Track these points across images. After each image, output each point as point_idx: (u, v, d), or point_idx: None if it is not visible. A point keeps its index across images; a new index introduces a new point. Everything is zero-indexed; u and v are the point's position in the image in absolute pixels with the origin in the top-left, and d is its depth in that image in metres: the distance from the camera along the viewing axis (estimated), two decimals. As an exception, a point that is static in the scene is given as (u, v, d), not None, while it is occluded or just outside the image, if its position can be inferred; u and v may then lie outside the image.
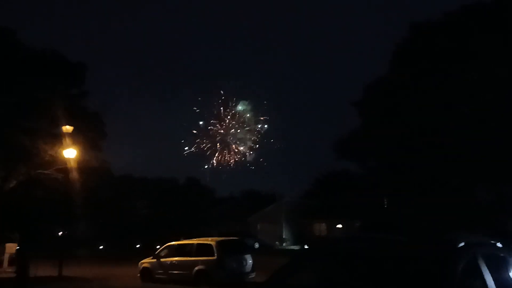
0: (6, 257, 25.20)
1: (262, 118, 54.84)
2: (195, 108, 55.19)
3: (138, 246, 52.75)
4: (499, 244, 5.23)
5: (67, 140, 21.81)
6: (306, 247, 44.61)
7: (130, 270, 23.04)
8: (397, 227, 23.34)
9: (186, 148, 55.30)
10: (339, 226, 45.96)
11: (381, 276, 4.09)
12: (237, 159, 54.69)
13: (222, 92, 55.33)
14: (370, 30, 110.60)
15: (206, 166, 56.52)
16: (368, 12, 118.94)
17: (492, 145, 18.81)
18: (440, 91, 20.37)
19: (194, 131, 55.84)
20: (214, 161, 55.05)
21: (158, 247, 41.90)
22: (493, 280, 4.19)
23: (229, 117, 55.55)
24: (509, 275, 4.76)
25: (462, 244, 4.22)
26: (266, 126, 55.76)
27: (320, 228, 47.48)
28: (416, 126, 21.31)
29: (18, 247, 15.36)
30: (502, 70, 18.50)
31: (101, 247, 52.09)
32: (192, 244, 18.53)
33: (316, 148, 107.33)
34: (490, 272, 4.22)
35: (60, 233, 50.84)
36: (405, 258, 4.14)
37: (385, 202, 36.20)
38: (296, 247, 45.74)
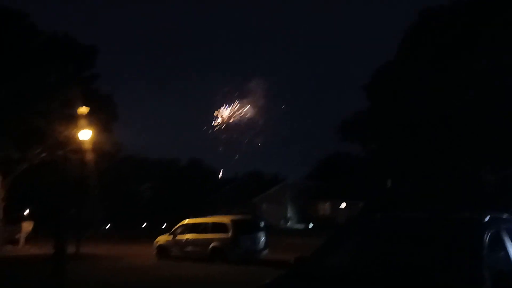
0: (22, 236, 26.00)
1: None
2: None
3: (143, 226, 53.62)
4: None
5: (82, 122, 22.27)
6: (310, 225, 45.71)
7: (142, 248, 23.78)
8: (401, 208, 24.03)
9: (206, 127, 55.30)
10: (342, 206, 46.83)
11: (417, 249, 4.65)
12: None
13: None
14: (379, 15, 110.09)
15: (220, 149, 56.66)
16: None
17: (498, 129, 19.34)
18: (448, 76, 20.80)
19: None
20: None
21: (163, 227, 42.80)
22: (514, 250, 4.79)
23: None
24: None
25: (487, 219, 4.80)
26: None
27: (324, 208, 48.45)
28: (423, 110, 21.81)
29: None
30: (510, 57, 18.91)
31: (107, 227, 52.98)
32: (207, 222, 19.19)
33: (319, 131, 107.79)
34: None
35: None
36: (439, 232, 4.71)
37: (388, 183, 36.88)
38: (300, 226, 46.71)
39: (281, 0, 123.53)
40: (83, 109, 22.15)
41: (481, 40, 19.82)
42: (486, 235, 4.48)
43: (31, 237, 26.74)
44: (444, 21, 21.49)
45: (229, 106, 54.14)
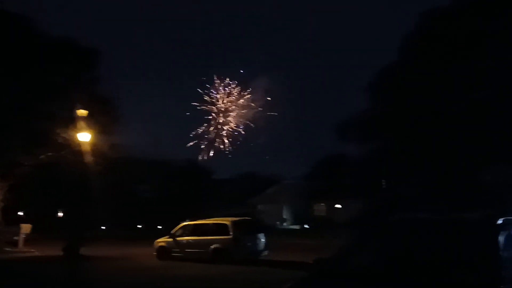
0: (21, 237, 25.96)
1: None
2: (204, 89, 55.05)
3: (139, 227, 53.59)
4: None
5: (82, 124, 22.35)
6: (306, 226, 45.93)
7: (141, 249, 23.87)
8: (398, 208, 24.23)
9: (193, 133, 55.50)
10: (338, 206, 47.08)
11: (436, 250, 4.83)
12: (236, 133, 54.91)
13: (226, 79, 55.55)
14: (381, 16, 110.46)
15: (211, 153, 56.84)
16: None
17: (498, 129, 19.61)
18: (451, 77, 21.05)
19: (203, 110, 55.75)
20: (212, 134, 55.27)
21: (161, 228, 42.69)
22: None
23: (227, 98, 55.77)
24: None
25: (501, 221, 4.99)
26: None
27: (320, 208, 48.71)
28: (425, 110, 22.06)
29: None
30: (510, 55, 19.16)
31: (103, 228, 52.90)
32: (208, 223, 19.41)
33: (316, 131, 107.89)
34: (523, 246, 5.02)
35: (61, 214, 51.75)
36: (456, 233, 4.90)
37: (383, 184, 37.14)
38: (296, 227, 46.91)
39: (287, 1, 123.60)
40: (82, 112, 22.22)
41: (485, 40, 20.08)
42: (501, 236, 4.66)
43: (30, 239, 26.70)
44: (447, 22, 21.73)
45: (224, 106, 54.16)
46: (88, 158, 23.24)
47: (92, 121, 23.32)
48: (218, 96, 54.15)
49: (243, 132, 54.88)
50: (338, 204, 47.28)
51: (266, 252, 18.60)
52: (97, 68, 26.44)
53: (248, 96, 54.52)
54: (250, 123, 54.75)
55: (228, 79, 54.62)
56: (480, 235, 4.77)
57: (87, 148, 22.95)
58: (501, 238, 4.66)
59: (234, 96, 55.13)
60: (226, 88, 55.46)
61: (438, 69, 21.68)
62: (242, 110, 54.89)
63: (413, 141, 23.45)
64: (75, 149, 23.98)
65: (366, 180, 37.78)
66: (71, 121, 23.25)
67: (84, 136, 22.36)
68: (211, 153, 57.47)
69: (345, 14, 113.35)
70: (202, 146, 56.31)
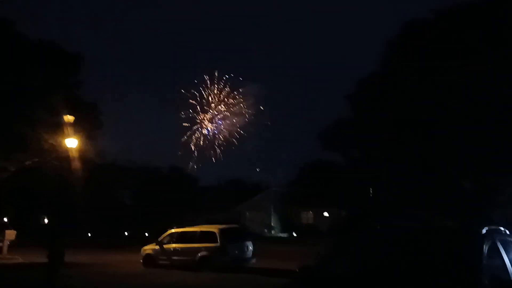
0: (5, 244, 25.55)
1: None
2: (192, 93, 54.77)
3: (126, 234, 53.15)
4: (507, 231, 6.15)
5: (68, 130, 22.18)
6: (294, 234, 45.96)
7: (127, 256, 23.68)
8: (385, 216, 24.48)
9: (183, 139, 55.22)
10: (326, 214, 47.23)
11: (419, 258, 4.90)
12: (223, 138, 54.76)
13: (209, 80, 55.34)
14: (363, 26, 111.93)
15: (193, 161, 56.65)
16: (361, 8, 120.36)
17: (479, 138, 19.96)
18: (431, 87, 21.43)
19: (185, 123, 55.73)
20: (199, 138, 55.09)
21: (146, 235, 42.38)
22: (509, 260, 5.10)
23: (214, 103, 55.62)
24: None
25: (485, 231, 5.10)
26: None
27: (307, 216, 48.82)
28: (406, 119, 22.38)
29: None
30: (491, 68, 19.57)
31: (88, 234, 52.35)
32: (195, 231, 19.33)
33: (301, 138, 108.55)
34: (506, 253, 5.13)
35: (46, 221, 51.13)
36: (442, 243, 4.99)
37: (370, 191, 37.38)
38: (284, 235, 46.90)
39: (268, 9, 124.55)
40: (69, 118, 22.07)
41: (465, 51, 20.48)
42: (485, 246, 4.77)
43: (14, 245, 26.30)
44: (428, 33, 22.13)
45: (213, 112, 54.07)
46: (75, 164, 23.07)
47: (76, 127, 23.19)
48: (210, 99, 54.00)
49: (233, 141, 54.82)
50: (326, 211, 47.43)
51: (253, 260, 18.57)
52: (81, 72, 26.33)
53: (239, 103, 54.48)
54: (240, 131, 54.69)
55: (217, 86, 54.54)
56: (464, 244, 4.88)
57: (74, 154, 22.77)
58: (485, 248, 4.77)
59: (224, 103, 55.07)
60: (215, 95, 55.36)
61: (418, 78, 22.04)
62: (233, 117, 54.85)
63: (395, 150, 23.75)
64: (60, 155, 23.77)
65: (353, 188, 37.98)
66: (55, 127, 23.09)
67: (71, 142, 22.18)
68: (198, 164, 57.31)
69: (330, 21, 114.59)
70: (193, 155, 56.08)
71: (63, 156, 23.20)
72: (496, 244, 5.09)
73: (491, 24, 20.56)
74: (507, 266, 4.94)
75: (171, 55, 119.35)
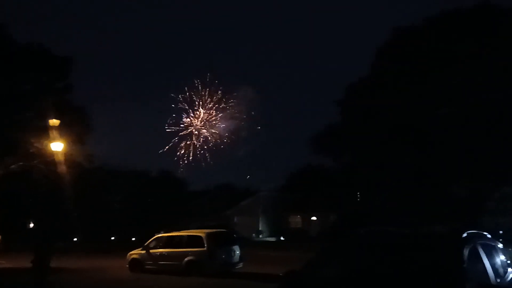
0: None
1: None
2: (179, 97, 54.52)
3: (112, 238, 52.67)
4: (489, 235, 6.21)
5: (54, 133, 22.00)
6: (282, 238, 45.92)
7: (114, 261, 23.43)
8: (374, 220, 24.55)
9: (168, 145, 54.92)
10: (314, 218, 47.30)
11: (402, 261, 4.93)
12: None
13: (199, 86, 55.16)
14: (352, 33, 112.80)
15: (183, 163, 56.39)
16: (353, 13, 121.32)
17: (468, 145, 20.16)
18: (420, 93, 21.62)
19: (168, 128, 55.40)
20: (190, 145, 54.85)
21: (133, 240, 42.07)
22: (489, 263, 5.15)
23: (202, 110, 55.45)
24: (499, 259, 5.76)
25: (465, 234, 5.14)
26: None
27: (296, 220, 48.86)
28: (396, 125, 22.53)
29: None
30: (480, 75, 19.82)
31: (75, 239, 51.84)
32: (182, 236, 19.19)
33: (293, 143, 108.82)
34: (487, 257, 5.18)
35: (31, 225, 50.53)
36: (423, 247, 5.01)
37: (358, 196, 37.55)
38: (272, 239, 46.87)
39: (257, 14, 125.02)
40: (55, 121, 21.90)
41: (454, 58, 20.70)
42: (465, 249, 4.80)
43: (0, 250, 26.01)
44: (417, 39, 22.34)
45: (201, 116, 53.93)
46: (61, 168, 22.87)
47: (64, 131, 22.99)
48: (201, 102, 53.81)
49: (224, 145, 54.68)
50: (314, 216, 47.51)
51: (241, 265, 18.48)
52: (70, 76, 26.14)
53: (230, 107, 54.34)
54: (231, 135, 54.60)
55: (208, 90, 54.41)
56: (446, 248, 4.90)
57: (60, 158, 22.57)
58: (465, 251, 4.80)
59: (214, 107, 54.96)
60: (206, 100, 55.17)
61: (407, 85, 22.24)
62: (224, 122, 54.72)
63: (385, 155, 23.88)
64: (47, 159, 23.55)
65: (341, 193, 38.14)
66: (44, 131, 22.88)
67: (57, 146, 21.96)
68: (188, 169, 57.03)
69: (323, 27, 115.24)
70: (181, 161, 55.83)
71: (50, 160, 22.99)
72: (477, 248, 5.12)
73: (479, 32, 20.82)
74: (487, 269, 4.97)
75: (163, 58, 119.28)
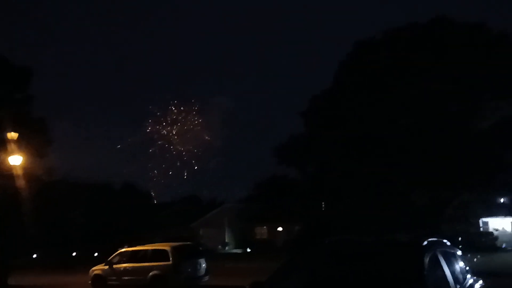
0: None
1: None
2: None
3: (74, 254, 51.26)
4: (448, 243, 6.39)
5: (12, 147, 21.36)
6: (248, 250, 45.82)
7: (76, 278, 22.85)
8: (339, 229, 24.87)
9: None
10: (280, 229, 47.43)
11: (364, 269, 5.02)
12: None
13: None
14: (315, 46, 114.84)
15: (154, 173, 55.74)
16: (318, 28, 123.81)
17: (426, 154, 20.78)
18: (380, 104, 22.20)
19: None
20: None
21: (96, 255, 41.04)
22: (449, 270, 5.30)
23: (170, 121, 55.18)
24: (458, 266, 5.94)
25: (426, 242, 5.27)
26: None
27: (262, 231, 48.89)
28: (358, 135, 23.01)
29: None
30: (435, 86, 20.55)
31: (34, 255, 50.14)
32: (146, 250, 18.87)
33: (255, 154, 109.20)
34: (447, 264, 5.33)
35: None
36: (385, 256, 5.11)
37: (323, 206, 37.99)
38: (238, 251, 46.68)
39: (225, 26, 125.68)
40: (13, 135, 21.26)
41: (412, 70, 21.38)
42: (426, 257, 4.92)
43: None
44: (376, 52, 22.98)
45: (166, 129, 53.57)
46: (20, 182, 22.14)
47: (23, 143, 22.32)
48: (167, 118, 53.53)
49: (185, 158, 54.49)
50: (280, 226, 47.65)
51: (206, 278, 18.34)
52: (30, 87, 25.34)
53: (196, 120, 54.32)
54: (193, 149, 54.53)
55: (175, 101, 54.24)
56: (407, 256, 5.01)
57: (18, 171, 21.87)
58: (426, 259, 4.92)
59: (180, 122, 54.76)
60: (173, 114, 54.96)
61: (367, 96, 22.82)
62: (189, 135, 54.63)
63: (347, 165, 24.31)
64: (5, 173, 22.74)
65: (306, 203, 38.48)
66: (1, 144, 22.14)
67: (15, 159, 21.32)
68: (154, 181, 56.47)
69: (289, 38, 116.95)
70: (146, 173, 55.26)
71: (8, 174, 22.22)
72: (437, 255, 5.26)
73: (435, 44, 21.59)
74: (447, 276, 5.11)
75: (128, 69, 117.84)
